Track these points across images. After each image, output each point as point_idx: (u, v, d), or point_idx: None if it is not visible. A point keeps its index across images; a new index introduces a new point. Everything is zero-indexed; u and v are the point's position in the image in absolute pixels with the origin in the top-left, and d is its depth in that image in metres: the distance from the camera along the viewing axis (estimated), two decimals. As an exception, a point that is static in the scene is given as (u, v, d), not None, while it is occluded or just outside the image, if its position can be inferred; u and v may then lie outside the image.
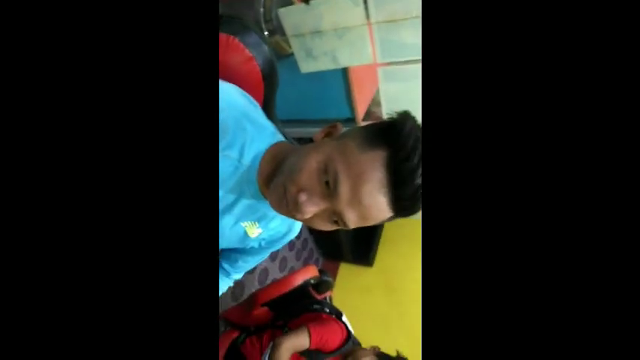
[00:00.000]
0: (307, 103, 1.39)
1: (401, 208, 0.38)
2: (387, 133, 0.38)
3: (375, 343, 1.14)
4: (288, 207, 0.40)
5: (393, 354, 1.10)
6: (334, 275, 2.41)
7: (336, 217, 0.39)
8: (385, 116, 0.40)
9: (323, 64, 1.15)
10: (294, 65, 1.20)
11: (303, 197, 0.38)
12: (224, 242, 0.54)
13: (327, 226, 0.41)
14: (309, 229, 2.30)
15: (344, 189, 0.37)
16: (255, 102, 0.51)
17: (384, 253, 2.37)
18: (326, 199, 0.38)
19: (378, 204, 0.37)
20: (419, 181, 0.36)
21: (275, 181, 0.42)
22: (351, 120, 1.35)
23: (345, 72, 1.21)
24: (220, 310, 1.22)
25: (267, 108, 0.58)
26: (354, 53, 1.08)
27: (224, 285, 0.65)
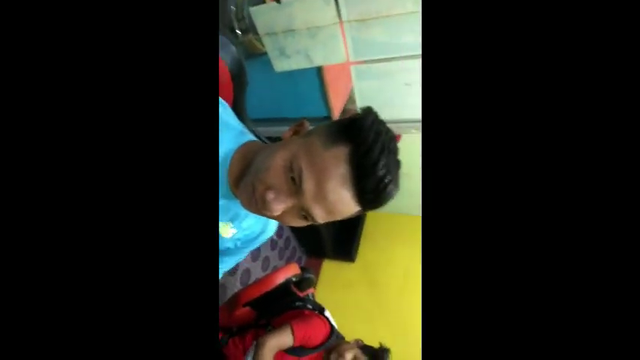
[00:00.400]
0: (283, 102, 1.39)
1: (365, 201, 0.39)
2: (349, 129, 0.39)
3: (358, 337, 1.17)
4: (257, 205, 0.41)
5: (376, 346, 1.13)
6: (318, 272, 2.43)
7: (304, 212, 0.40)
8: (359, 114, 0.41)
9: (296, 63, 1.16)
10: (269, 64, 1.19)
11: (270, 195, 0.39)
12: None
13: (297, 222, 0.42)
14: (291, 228, 2.30)
15: (309, 186, 0.38)
16: (224, 102, 0.51)
17: (365, 248, 2.41)
18: (293, 196, 0.39)
19: (342, 199, 0.38)
20: (381, 173, 0.37)
21: (244, 180, 0.43)
22: (328, 118, 1.36)
23: (319, 70, 1.22)
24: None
25: (237, 108, 0.58)
26: (327, 52, 1.09)
27: None
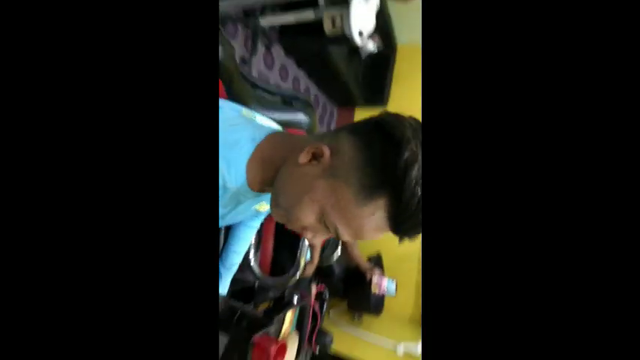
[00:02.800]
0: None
1: (400, 238, 0.39)
2: (388, 179, 0.35)
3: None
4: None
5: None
6: (350, 121, 2.46)
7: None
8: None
9: None
10: None
11: (308, 235, 0.42)
12: (238, 220, 0.62)
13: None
14: (317, 82, 2.20)
15: (346, 237, 0.40)
16: (221, 101, 0.45)
17: (397, 86, 2.31)
18: (330, 232, 0.41)
19: (378, 237, 0.40)
20: (419, 219, 0.36)
21: (275, 211, 0.44)
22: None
23: None
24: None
25: (233, 91, 0.50)
26: None
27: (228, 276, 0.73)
